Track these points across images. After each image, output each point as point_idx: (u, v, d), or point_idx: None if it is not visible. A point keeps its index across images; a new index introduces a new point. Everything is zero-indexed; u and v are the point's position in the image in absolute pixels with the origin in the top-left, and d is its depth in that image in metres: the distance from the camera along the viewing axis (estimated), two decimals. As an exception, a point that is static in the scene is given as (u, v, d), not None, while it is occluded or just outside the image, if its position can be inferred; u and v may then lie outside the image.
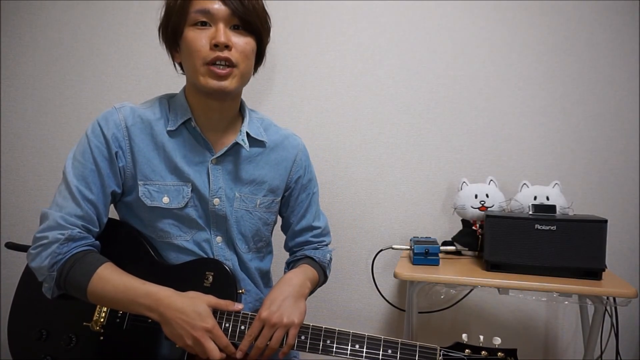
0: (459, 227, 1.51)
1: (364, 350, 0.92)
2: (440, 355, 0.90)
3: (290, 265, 1.22)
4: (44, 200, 1.83)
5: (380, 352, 0.92)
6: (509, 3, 1.61)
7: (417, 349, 0.91)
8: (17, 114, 1.84)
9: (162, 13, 1.01)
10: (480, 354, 0.89)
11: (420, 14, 1.66)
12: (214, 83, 0.95)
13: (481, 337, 0.92)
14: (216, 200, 1.03)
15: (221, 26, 0.94)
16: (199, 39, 0.94)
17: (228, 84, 0.96)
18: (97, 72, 1.80)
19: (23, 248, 1.17)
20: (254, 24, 0.98)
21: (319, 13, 1.70)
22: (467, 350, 0.90)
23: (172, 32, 0.99)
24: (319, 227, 1.22)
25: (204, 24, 0.95)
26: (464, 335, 0.93)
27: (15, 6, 1.80)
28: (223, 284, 0.98)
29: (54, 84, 1.82)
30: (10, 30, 1.81)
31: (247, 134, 1.06)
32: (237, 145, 1.05)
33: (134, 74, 1.79)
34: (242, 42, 0.97)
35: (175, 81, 1.15)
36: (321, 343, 0.94)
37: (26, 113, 1.84)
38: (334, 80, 1.72)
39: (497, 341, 0.90)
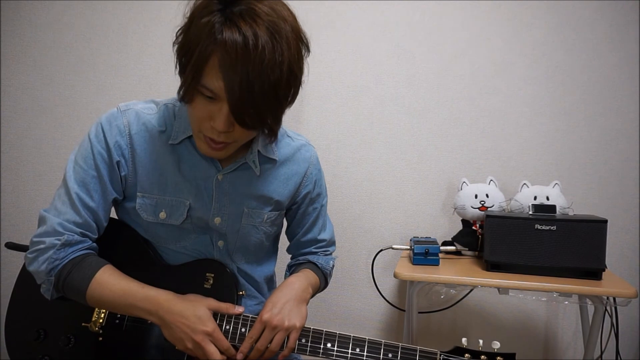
0: (459, 227, 1.51)
1: (365, 353, 0.92)
2: (439, 360, 0.91)
3: (292, 269, 1.20)
4: (43, 201, 1.84)
5: (381, 356, 0.92)
6: (509, 3, 1.61)
7: (417, 353, 0.91)
8: (17, 114, 1.84)
9: (184, 34, 0.85)
10: (480, 358, 0.89)
11: (421, 14, 1.66)
12: (207, 150, 0.90)
13: (480, 342, 0.92)
14: (217, 219, 1.00)
15: (225, 110, 0.81)
16: (203, 110, 0.84)
17: (222, 154, 0.91)
18: (97, 72, 1.80)
19: (23, 248, 1.16)
20: (260, 124, 0.84)
21: (319, 13, 1.70)
22: (466, 355, 0.90)
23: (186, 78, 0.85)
24: (324, 240, 1.19)
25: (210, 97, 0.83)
26: (464, 340, 0.93)
27: (15, 6, 1.80)
28: (223, 285, 0.98)
29: (54, 84, 1.82)
30: (10, 30, 1.81)
31: (258, 151, 1.00)
32: (246, 163, 0.99)
33: (134, 74, 1.79)
34: (245, 132, 0.86)
35: (175, 81, 1.14)
36: (322, 346, 0.94)
37: (26, 113, 1.84)
38: (334, 80, 1.72)
39: (496, 345, 0.90)
